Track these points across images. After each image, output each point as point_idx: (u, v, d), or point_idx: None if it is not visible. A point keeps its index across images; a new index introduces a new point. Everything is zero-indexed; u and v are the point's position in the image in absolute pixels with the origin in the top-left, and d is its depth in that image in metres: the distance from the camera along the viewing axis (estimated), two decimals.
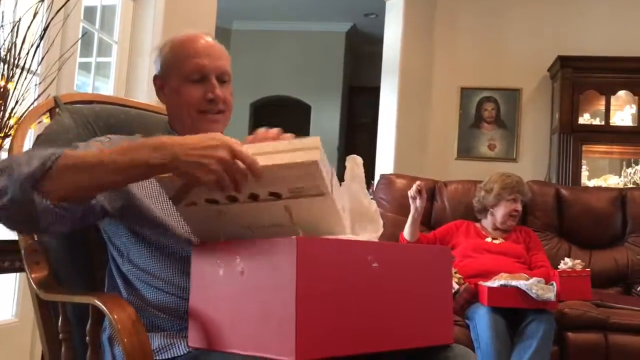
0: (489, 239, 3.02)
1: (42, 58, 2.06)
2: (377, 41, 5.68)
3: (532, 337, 2.47)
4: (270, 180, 0.97)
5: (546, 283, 2.62)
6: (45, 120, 1.48)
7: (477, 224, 3.13)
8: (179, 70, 1.30)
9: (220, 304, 1.03)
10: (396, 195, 3.42)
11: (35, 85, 2.07)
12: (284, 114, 8.40)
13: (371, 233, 1.13)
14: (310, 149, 0.97)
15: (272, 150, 0.97)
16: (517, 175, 3.17)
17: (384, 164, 4.92)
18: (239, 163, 0.95)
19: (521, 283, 2.54)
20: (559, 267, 2.88)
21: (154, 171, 1.00)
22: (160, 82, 1.36)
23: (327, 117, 7.86)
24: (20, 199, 1.01)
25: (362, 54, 8.13)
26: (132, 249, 1.21)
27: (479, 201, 3.14)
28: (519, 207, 3.05)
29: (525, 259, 2.95)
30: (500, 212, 3.05)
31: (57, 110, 1.44)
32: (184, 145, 0.98)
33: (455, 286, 2.70)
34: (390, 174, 3.71)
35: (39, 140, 1.38)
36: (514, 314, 2.57)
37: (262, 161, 0.96)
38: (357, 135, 8.36)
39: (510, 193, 3.04)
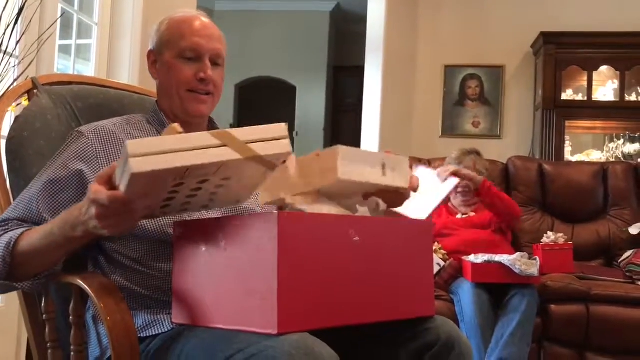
0: (459, 216, 3.05)
1: (19, 39, 2.03)
2: (361, 20, 5.65)
3: (515, 311, 2.51)
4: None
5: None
6: (24, 102, 1.47)
7: (449, 203, 3.14)
8: (174, 46, 1.31)
9: (203, 280, 1.04)
10: None
11: (14, 67, 2.04)
12: (269, 95, 8.39)
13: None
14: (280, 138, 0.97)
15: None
16: (472, 148, 3.14)
17: (369, 142, 4.93)
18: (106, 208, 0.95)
19: (504, 258, 2.57)
20: (541, 240, 2.92)
21: (83, 240, 1.07)
22: (154, 57, 1.36)
23: (312, 98, 7.84)
24: (2, 291, 1.17)
25: (346, 33, 8.09)
26: None
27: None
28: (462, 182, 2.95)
29: (496, 225, 2.96)
30: None
31: (35, 91, 1.43)
32: (78, 219, 1.01)
33: (441, 262, 2.73)
34: None
35: (18, 122, 1.37)
36: (497, 288, 2.61)
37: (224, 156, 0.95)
38: (343, 115, 8.36)
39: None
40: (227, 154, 0.93)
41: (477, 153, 3.14)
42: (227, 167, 0.95)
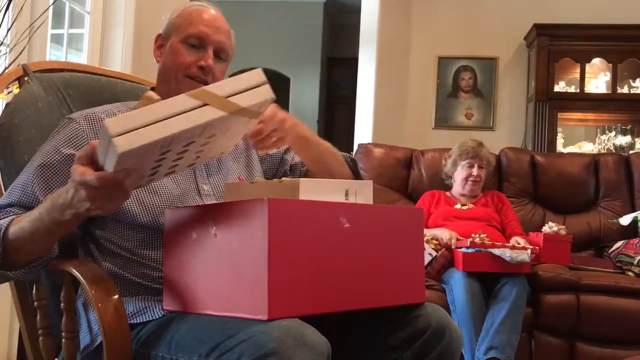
0: (457, 206, 3.06)
1: (10, 27, 2.02)
2: (355, 11, 5.64)
3: (505, 300, 2.53)
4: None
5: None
6: (15, 90, 1.46)
7: (447, 193, 3.17)
8: (181, 32, 1.33)
9: (194, 267, 1.05)
10: (374, 164, 3.43)
11: (5, 55, 2.03)
12: None
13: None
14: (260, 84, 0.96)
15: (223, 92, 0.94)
16: (478, 140, 3.18)
17: (363, 134, 4.94)
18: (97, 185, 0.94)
19: (495, 249, 2.59)
20: (543, 229, 2.94)
21: (72, 223, 1.06)
22: (161, 41, 1.38)
23: (306, 90, 7.82)
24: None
25: (340, 24, 8.07)
26: (100, 219, 1.22)
27: (442, 169, 3.19)
28: (475, 172, 3.05)
29: (496, 222, 3.00)
30: (459, 177, 3.09)
31: (26, 78, 1.42)
32: (66, 204, 1.00)
33: (433, 252, 2.74)
34: (368, 143, 3.72)
35: (9, 109, 1.36)
36: (489, 277, 2.63)
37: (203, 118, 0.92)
38: (337, 107, 8.35)
39: (465, 158, 3.07)
40: (210, 114, 0.91)
41: (482, 144, 3.18)
42: (212, 126, 0.93)
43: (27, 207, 1.17)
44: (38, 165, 1.20)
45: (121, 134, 0.85)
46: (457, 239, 2.73)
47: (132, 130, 0.85)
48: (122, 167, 0.89)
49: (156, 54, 1.39)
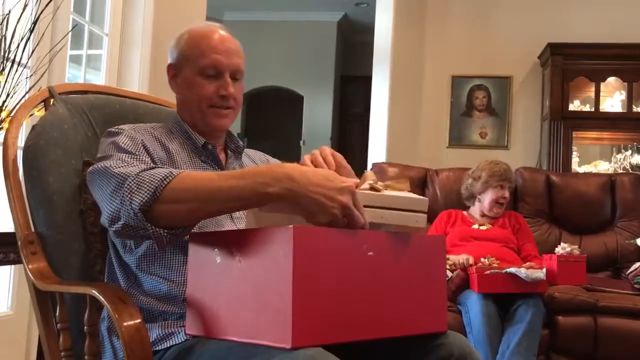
0: (475, 226, 3.05)
1: (33, 51, 2.05)
2: (368, 30, 5.68)
3: (520, 321, 2.51)
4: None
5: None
6: (37, 112, 1.48)
7: (465, 212, 3.16)
8: (194, 63, 1.32)
9: (218, 292, 1.05)
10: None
11: (26, 78, 2.07)
12: (277, 105, 8.41)
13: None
14: (419, 211, 1.08)
15: (382, 204, 1.05)
16: (505, 162, 3.18)
17: (376, 152, 4.94)
18: (355, 211, 0.99)
19: (510, 268, 2.58)
20: (556, 250, 2.92)
21: (271, 200, 1.00)
22: (174, 71, 1.38)
23: (319, 108, 7.85)
24: (134, 225, 1.05)
25: (353, 43, 8.12)
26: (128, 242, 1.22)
27: (466, 188, 3.17)
28: (507, 194, 3.07)
29: (513, 244, 2.98)
30: (487, 199, 3.07)
31: (51, 100, 1.44)
32: (309, 181, 0.98)
33: (449, 274, 2.73)
34: (383, 163, 3.73)
35: (36, 131, 1.37)
36: (504, 299, 2.61)
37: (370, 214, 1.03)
38: (350, 125, 8.37)
39: (498, 180, 3.06)
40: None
41: (509, 167, 3.18)
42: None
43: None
44: (123, 154, 1.18)
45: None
46: (472, 263, 2.72)
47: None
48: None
49: (171, 85, 1.39)
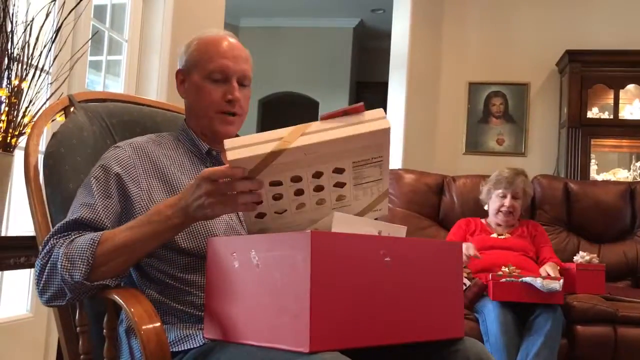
0: (494, 235, 3.01)
1: (55, 57, 2.08)
2: (384, 36, 5.69)
3: (539, 331, 2.49)
4: (335, 154, 1.04)
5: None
6: (59, 118, 1.51)
7: (483, 220, 3.12)
8: (202, 68, 1.34)
9: (236, 296, 1.06)
10: (405, 190, 3.43)
11: (48, 84, 2.10)
12: (292, 111, 8.43)
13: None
14: (378, 119, 1.04)
15: (337, 125, 1.03)
16: (521, 169, 3.10)
17: (393, 159, 4.92)
18: (222, 180, 1.04)
19: (526, 277, 2.56)
20: (574, 259, 2.89)
21: (180, 227, 1.13)
22: (182, 77, 1.39)
23: None
24: (81, 292, 1.15)
25: (369, 49, 8.13)
26: None
27: (481, 197, 3.15)
28: (507, 202, 2.96)
29: (532, 253, 2.95)
30: (491, 207, 3.04)
31: (71, 108, 1.46)
32: (184, 200, 1.09)
33: (466, 282, 2.71)
34: (399, 169, 3.72)
35: (56, 138, 1.40)
36: (522, 308, 2.58)
37: (329, 135, 1.02)
38: None
39: (499, 188, 3.00)
40: (322, 136, 1.01)
41: (525, 175, 3.08)
42: (317, 151, 1.01)
43: (92, 221, 1.19)
44: (90, 184, 1.24)
45: (235, 148, 0.99)
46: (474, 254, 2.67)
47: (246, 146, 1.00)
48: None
49: (180, 90, 1.40)
